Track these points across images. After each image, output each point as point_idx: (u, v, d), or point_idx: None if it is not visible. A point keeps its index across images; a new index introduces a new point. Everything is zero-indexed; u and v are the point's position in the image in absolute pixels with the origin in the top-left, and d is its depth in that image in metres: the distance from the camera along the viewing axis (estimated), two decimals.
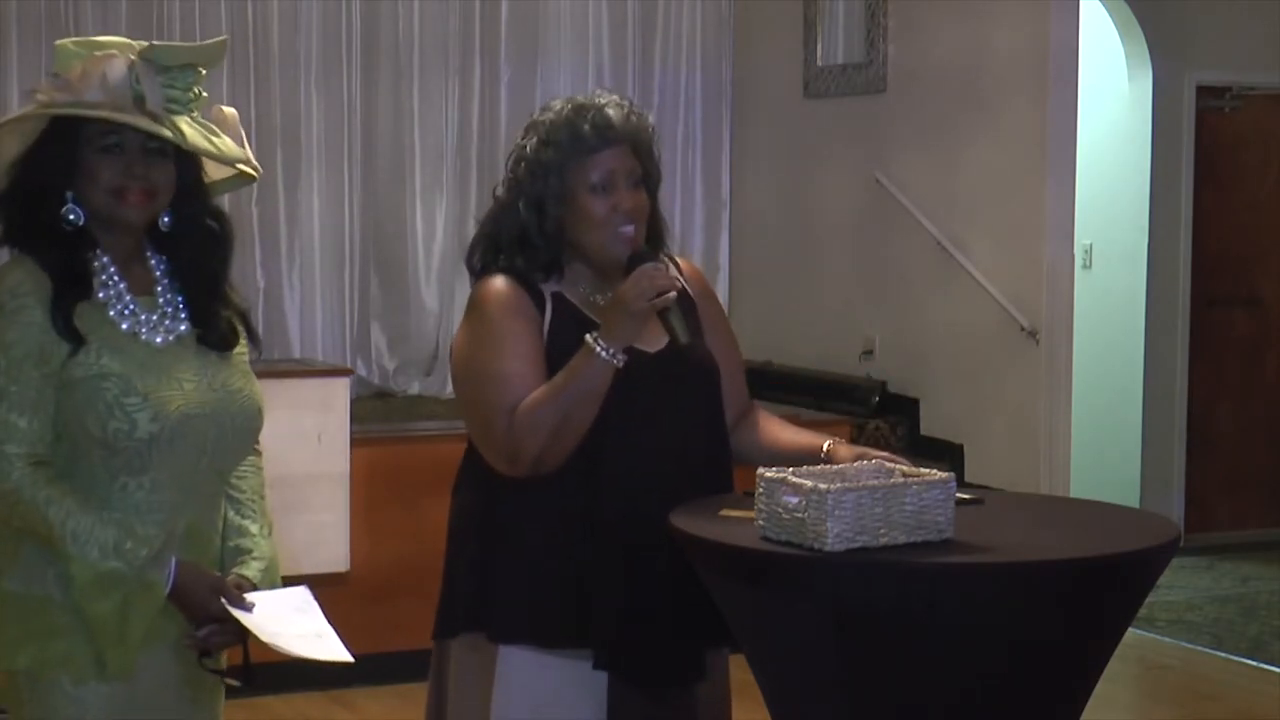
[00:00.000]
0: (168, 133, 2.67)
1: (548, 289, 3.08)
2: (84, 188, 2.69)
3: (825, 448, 3.17)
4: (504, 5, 8.14)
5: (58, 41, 2.78)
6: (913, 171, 7.71)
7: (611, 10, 8.38)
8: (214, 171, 2.83)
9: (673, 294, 2.99)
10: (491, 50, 8.13)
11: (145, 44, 2.73)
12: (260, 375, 2.86)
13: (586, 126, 3.04)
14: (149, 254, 2.78)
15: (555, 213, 3.05)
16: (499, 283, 3.07)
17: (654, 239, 3.16)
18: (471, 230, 3.22)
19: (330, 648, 2.73)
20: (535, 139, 3.08)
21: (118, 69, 2.67)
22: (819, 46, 8.25)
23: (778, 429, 3.29)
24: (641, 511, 2.98)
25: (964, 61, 7.48)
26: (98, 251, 2.70)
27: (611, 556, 3.00)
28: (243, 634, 2.70)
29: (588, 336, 2.97)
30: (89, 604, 2.60)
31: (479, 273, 3.13)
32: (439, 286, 7.98)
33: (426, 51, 8.01)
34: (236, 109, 2.86)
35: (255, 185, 7.62)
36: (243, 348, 2.84)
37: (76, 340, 2.62)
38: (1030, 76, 7.19)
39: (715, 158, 8.65)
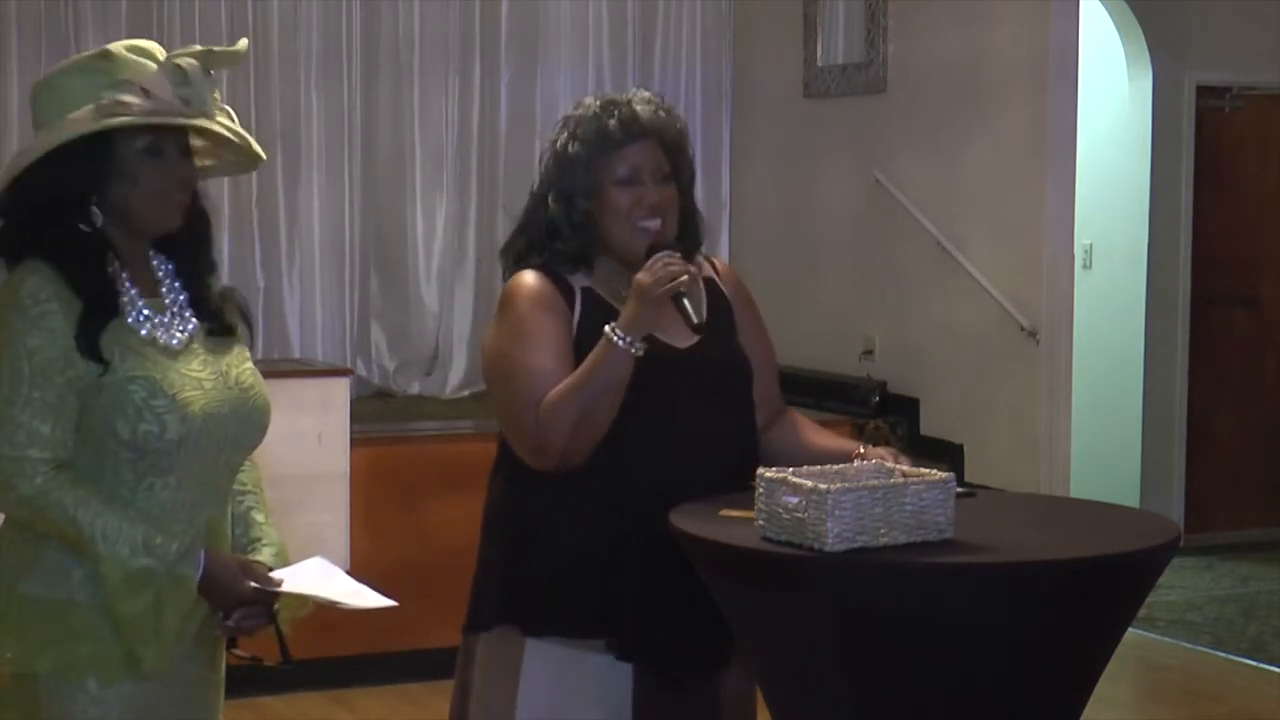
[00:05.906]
0: (248, 137, 2.72)
1: (577, 283, 3.11)
2: (120, 192, 2.67)
3: (859, 452, 3.15)
4: (504, 5, 8.13)
5: (111, 47, 2.72)
6: (912, 171, 7.71)
7: (611, 10, 8.38)
8: (205, 157, 2.84)
9: (685, 278, 3.01)
10: (491, 50, 8.12)
11: (197, 49, 2.73)
12: (261, 375, 2.86)
13: (613, 122, 3.10)
14: (153, 255, 2.77)
15: (583, 206, 3.10)
16: (530, 278, 3.11)
17: (689, 235, 3.20)
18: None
19: (372, 598, 2.75)
20: (565, 134, 3.14)
21: (179, 72, 2.68)
22: (819, 46, 8.25)
23: (812, 433, 3.30)
24: (666, 506, 2.98)
25: (964, 61, 7.48)
26: (111, 256, 2.69)
27: (636, 550, 3.02)
28: (272, 615, 2.71)
29: (606, 327, 2.99)
30: (121, 603, 2.60)
31: (511, 268, 3.17)
32: (439, 286, 7.97)
33: (426, 51, 8.00)
34: (236, 109, 2.87)
35: (256, 186, 7.72)
36: (244, 348, 2.85)
37: (101, 362, 2.61)
38: (1030, 76, 7.19)
39: (715, 158, 8.65)
